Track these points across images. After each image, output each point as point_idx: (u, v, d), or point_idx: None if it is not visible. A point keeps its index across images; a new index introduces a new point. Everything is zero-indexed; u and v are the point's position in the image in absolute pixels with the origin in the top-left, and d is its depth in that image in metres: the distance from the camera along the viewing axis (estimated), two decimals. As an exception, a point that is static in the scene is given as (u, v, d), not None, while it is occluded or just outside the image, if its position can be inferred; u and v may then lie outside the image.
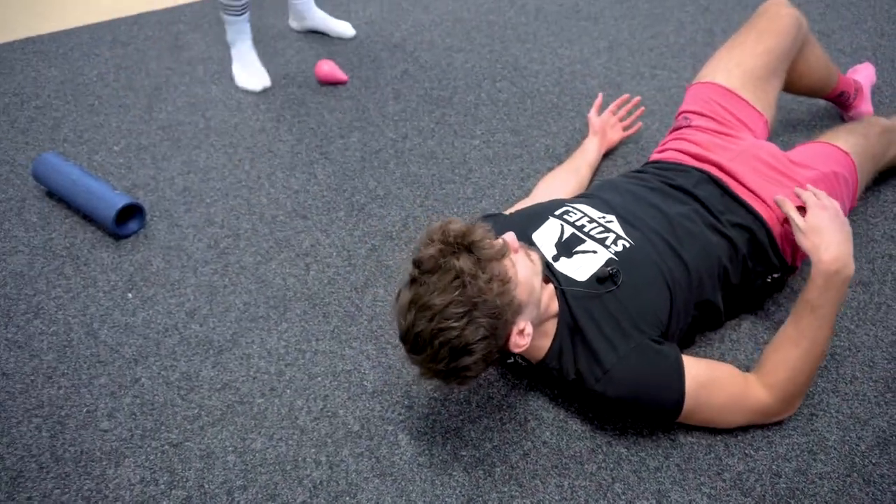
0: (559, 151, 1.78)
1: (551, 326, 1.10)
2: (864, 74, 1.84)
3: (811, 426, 1.14)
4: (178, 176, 1.70)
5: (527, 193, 1.66)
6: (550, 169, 1.72)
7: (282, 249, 1.51)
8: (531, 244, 1.14)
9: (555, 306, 1.10)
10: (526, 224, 1.18)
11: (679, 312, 1.14)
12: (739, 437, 1.13)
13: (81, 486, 1.09)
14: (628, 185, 1.31)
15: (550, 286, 1.11)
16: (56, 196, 1.63)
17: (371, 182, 1.69)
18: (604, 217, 1.19)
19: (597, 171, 1.69)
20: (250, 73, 1.99)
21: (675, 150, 1.42)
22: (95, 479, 1.09)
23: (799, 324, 1.10)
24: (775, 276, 1.27)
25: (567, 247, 1.14)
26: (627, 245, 1.14)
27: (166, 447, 1.14)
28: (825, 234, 1.10)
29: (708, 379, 1.09)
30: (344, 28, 2.22)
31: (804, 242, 1.12)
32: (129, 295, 1.40)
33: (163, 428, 1.16)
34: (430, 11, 2.38)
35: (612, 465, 1.10)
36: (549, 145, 1.80)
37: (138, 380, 1.24)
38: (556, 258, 1.14)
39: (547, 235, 1.15)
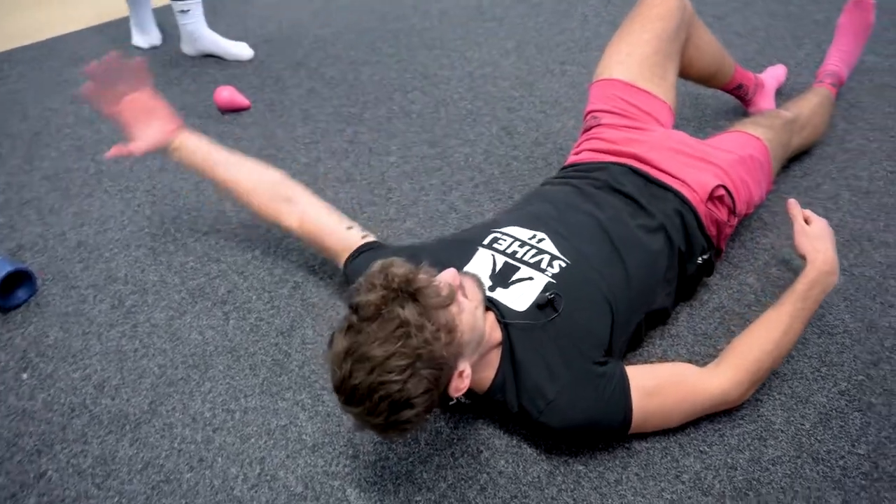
0: (478, 159, 1.74)
1: (495, 356, 1.05)
2: (772, 73, 1.88)
3: (757, 412, 1.14)
4: (70, 230, 1.55)
5: (451, 207, 1.61)
6: (472, 179, 1.68)
7: (196, 300, 1.39)
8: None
9: (497, 335, 1.05)
10: (452, 257, 1.11)
11: (621, 325, 1.12)
12: (692, 435, 1.12)
13: None
14: (555, 194, 1.28)
15: (491, 315, 1.06)
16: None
17: (287, 213, 1.59)
18: (534, 236, 1.15)
19: (518, 179, 1.66)
20: (141, 31, 1.99)
21: (591, 150, 1.40)
22: None
23: (781, 309, 1.13)
24: (705, 256, 1.28)
25: (502, 277, 1.10)
26: (563, 265, 1.10)
27: (84, 548, 1.01)
28: (823, 242, 1.19)
29: (655, 386, 1.07)
30: (240, 49, 2.10)
31: (804, 244, 1.20)
32: (24, 375, 1.25)
33: (76, 526, 1.04)
34: (330, 25, 2.29)
35: (572, 486, 1.06)
36: (467, 154, 1.76)
37: (44, 474, 1.10)
38: (492, 289, 1.09)
39: (478, 269, 1.10)
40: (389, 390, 0.85)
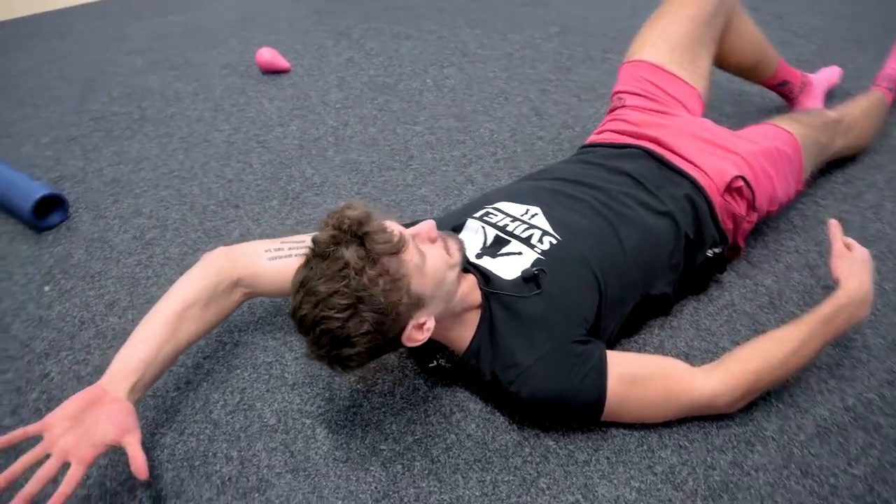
0: (503, 136, 1.75)
1: (473, 318, 1.06)
2: (824, 74, 1.80)
3: (749, 416, 1.09)
4: (107, 167, 1.65)
5: (468, 179, 1.63)
6: (494, 154, 1.69)
7: (210, 239, 1.46)
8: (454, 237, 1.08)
9: (476, 298, 1.05)
10: (444, 227, 1.11)
11: (612, 306, 1.10)
12: (674, 428, 1.07)
13: (-25, 487, 1.03)
14: (562, 170, 1.27)
15: (471, 277, 1.06)
16: (-23, 189, 1.57)
17: (308, 170, 1.64)
18: (527, 211, 1.14)
19: (540, 158, 1.65)
20: None
21: (612, 130, 1.39)
22: (-9, 480, 1.04)
23: (799, 327, 1.06)
24: (716, 250, 1.24)
25: (492, 249, 1.10)
26: (554, 241, 1.09)
27: (70, 445, 1.08)
28: (862, 270, 1.11)
29: (638, 376, 1.03)
30: None
31: (841, 267, 1.12)
32: (46, 288, 1.34)
33: (69, 425, 1.11)
34: (378, 0, 2.34)
35: (538, 459, 1.05)
36: (493, 130, 1.77)
37: (48, 374, 1.19)
38: (479, 257, 1.10)
39: (468, 240, 1.11)
40: (330, 326, 0.87)
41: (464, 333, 1.06)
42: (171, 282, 1.36)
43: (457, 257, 1.02)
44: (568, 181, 1.22)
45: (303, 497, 1.01)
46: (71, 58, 2.05)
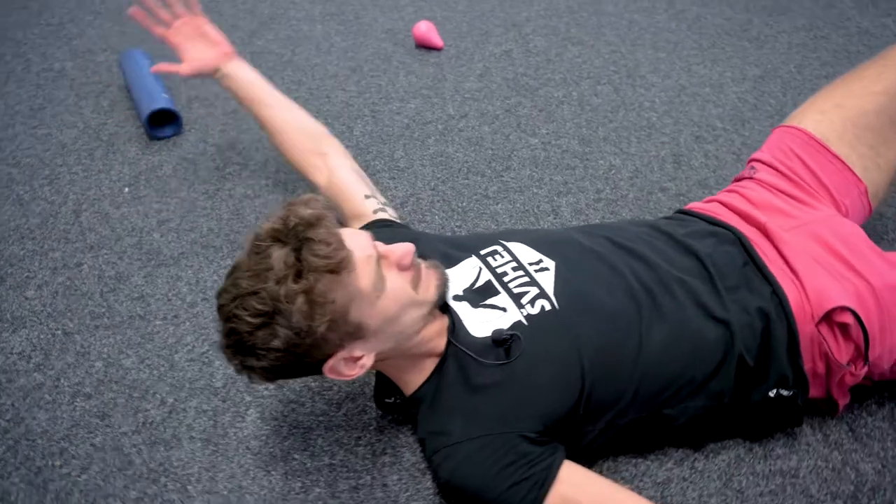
0: (622, 175, 1.50)
1: (429, 366, 0.91)
2: None
3: None
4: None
5: (553, 210, 1.43)
6: (599, 192, 1.45)
7: (273, 190, 1.47)
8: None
9: (441, 344, 0.90)
10: (443, 256, 0.97)
11: (597, 410, 0.87)
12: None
13: (-24, 338, 1.16)
14: (622, 230, 1.03)
15: (442, 323, 0.91)
16: (133, 89, 1.76)
17: (399, 152, 1.57)
18: (539, 262, 0.94)
19: (649, 212, 1.38)
20: None
21: (721, 202, 1.10)
22: (-10, 337, 1.16)
23: None
24: (785, 392, 0.92)
25: (477, 296, 0.93)
26: (547, 307, 0.89)
27: (58, 332, 1.17)
28: None
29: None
30: None
31: None
32: (126, 189, 1.47)
33: (68, 314, 1.20)
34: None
35: (445, 543, 0.88)
36: (614, 165, 1.52)
37: (80, 265, 1.29)
38: (458, 299, 0.93)
39: (459, 278, 0.95)
40: (239, 328, 0.79)
41: (415, 379, 0.92)
42: (222, 219, 1.40)
43: (428, 296, 0.88)
44: (616, 245, 0.98)
45: (197, 470, 0.97)
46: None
